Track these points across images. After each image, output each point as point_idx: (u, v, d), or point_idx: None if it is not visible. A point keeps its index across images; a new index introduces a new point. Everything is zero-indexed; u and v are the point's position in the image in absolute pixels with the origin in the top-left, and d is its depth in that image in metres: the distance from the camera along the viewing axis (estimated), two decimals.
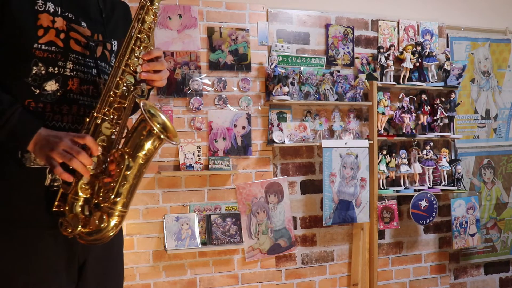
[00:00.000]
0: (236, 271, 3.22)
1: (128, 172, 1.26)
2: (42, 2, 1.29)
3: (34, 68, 1.27)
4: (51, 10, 1.30)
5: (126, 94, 1.32)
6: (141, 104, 1.29)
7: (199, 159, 3.10)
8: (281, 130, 3.27)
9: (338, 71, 3.43)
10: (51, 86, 1.29)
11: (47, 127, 1.27)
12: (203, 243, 3.09)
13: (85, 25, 1.37)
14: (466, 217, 3.71)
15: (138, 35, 1.32)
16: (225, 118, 3.20)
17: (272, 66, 3.18)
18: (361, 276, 3.46)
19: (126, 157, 1.26)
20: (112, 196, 1.25)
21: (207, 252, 3.13)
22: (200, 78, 3.15)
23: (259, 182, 3.27)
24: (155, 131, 1.27)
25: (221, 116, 3.19)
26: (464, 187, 3.74)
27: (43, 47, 1.28)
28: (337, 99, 3.38)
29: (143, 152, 1.29)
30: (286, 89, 3.17)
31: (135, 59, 1.32)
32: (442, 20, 3.80)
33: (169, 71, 2.99)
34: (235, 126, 3.22)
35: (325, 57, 3.42)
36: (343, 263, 3.51)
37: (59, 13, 1.31)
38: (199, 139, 3.14)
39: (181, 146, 3.08)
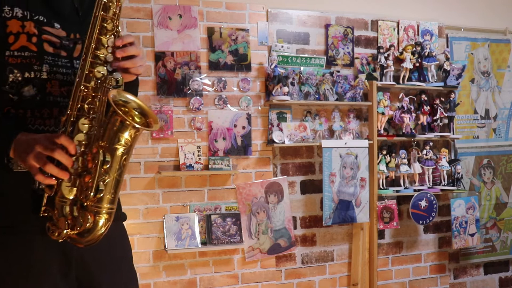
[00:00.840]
0: (236, 271, 3.22)
1: (106, 167, 1.21)
2: (9, 8, 1.27)
3: (10, 75, 1.26)
4: (19, 15, 1.28)
5: (99, 86, 1.25)
6: (111, 95, 1.22)
7: (199, 159, 3.11)
8: (281, 130, 3.27)
9: (338, 71, 3.43)
10: (29, 91, 1.27)
11: (30, 130, 1.25)
12: (203, 243, 3.10)
13: (59, 26, 1.34)
14: (466, 217, 3.71)
15: (102, 24, 1.25)
16: (225, 118, 3.20)
17: (272, 66, 3.18)
18: (361, 276, 3.46)
19: (101, 151, 1.20)
20: (92, 193, 1.20)
21: (207, 252, 3.13)
22: (200, 78, 3.15)
23: (259, 182, 3.27)
24: (127, 122, 1.21)
25: (221, 116, 3.19)
26: (464, 187, 3.75)
27: (15, 53, 1.26)
28: (337, 99, 3.38)
29: (120, 144, 1.22)
30: (286, 89, 3.17)
31: (104, 48, 1.25)
32: (442, 20, 3.81)
33: (168, 76, 3.01)
34: (235, 126, 3.22)
35: (325, 57, 3.42)
36: (343, 263, 3.52)
37: (28, 18, 1.29)
38: (199, 139, 3.15)
39: (181, 146, 3.08)
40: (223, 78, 3.20)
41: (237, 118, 3.23)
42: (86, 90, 1.24)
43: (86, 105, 1.24)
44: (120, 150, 1.23)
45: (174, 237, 3.02)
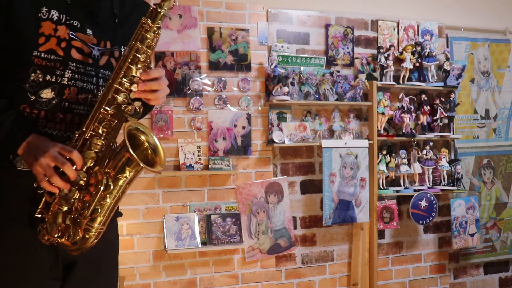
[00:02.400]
0: (236, 271, 3.22)
1: (106, 192, 1.26)
2: (46, 10, 1.29)
3: (32, 75, 1.28)
4: (55, 18, 1.30)
5: (118, 112, 1.29)
6: (126, 128, 1.27)
7: (199, 159, 3.11)
8: (281, 130, 3.27)
9: (338, 71, 3.43)
10: (46, 94, 1.30)
11: (39, 133, 1.28)
12: (203, 243, 3.10)
13: (91, 33, 1.36)
14: (466, 217, 3.72)
15: (135, 54, 1.29)
16: (225, 118, 3.20)
17: (272, 66, 3.18)
18: (361, 276, 3.46)
19: (105, 177, 1.26)
20: (88, 213, 1.25)
21: (207, 252, 3.13)
22: (200, 78, 3.15)
23: (259, 182, 3.27)
24: (134, 159, 1.25)
25: (221, 116, 3.19)
26: (464, 187, 3.75)
27: (42, 55, 1.28)
28: (337, 99, 3.38)
29: (124, 175, 1.28)
30: (286, 89, 3.17)
31: (131, 77, 1.29)
32: (441, 20, 3.81)
33: (168, 76, 3.02)
34: (235, 126, 3.22)
35: (325, 57, 3.42)
36: (343, 263, 3.52)
37: (63, 21, 1.31)
38: (199, 139, 3.15)
39: (181, 146, 3.08)
40: (223, 78, 3.20)
41: (237, 118, 3.23)
42: (105, 113, 1.28)
43: (102, 127, 1.28)
44: (123, 180, 1.28)
45: (174, 237, 3.02)
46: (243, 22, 3.26)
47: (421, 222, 3.56)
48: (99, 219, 1.27)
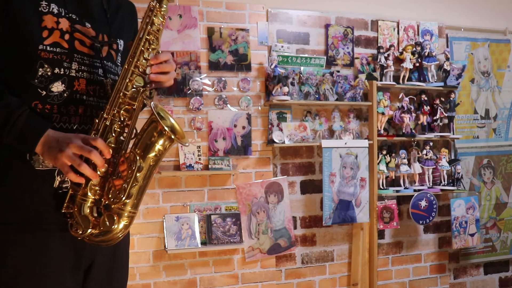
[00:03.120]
0: (236, 271, 3.22)
1: (139, 174, 1.26)
2: (46, 3, 1.29)
3: (40, 69, 1.27)
4: (55, 11, 1.30)
5: (135, 95, 1.32)
6: (152, 104, 1.29)
7: (199, 159, 3.11)
8: (281, 130, 3.27)
9: (338, 71, 3.43)
10: (57, 87, 1.29)
11: (55, 128, 1.26)
12: (203, 243, 3.10)
13: (89, 26, 1.37)
14: (466, 217, 3.72)
15: (147, 37, 1.33)
16: (225, 118, 3.20)
17: (272, 66, 3.18)
18: (361, 276, 3.46)
19: (138, 158, 1.26)
20: (123, 198, 1.25)
21: (207, 252, 3.13)
22: (200, 78, 3.15)
23: (259, 182, 3.27)
24: (165, 131, 1.27)
25: (221, 116, 3.19)
26: (464, 187, 3.75)
27: (48, 48, 1.27)
28: (337, 99, 3.38)
29: (154, 153, 1.29)
30: (286, 89, 3.17)
31: (144, 60, 1.32)
32: (442, 20, 3.81)
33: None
34: (235, 126, 3.22)
35: (325, 57, 3.42)
36: (343, 263, 3.52)
37: (63, 14, 1.31)
38: (199, 139, 3.15)
39: (181, 146, 3.08)
40: (223, 78, 3.20)
41: (237, 118, 3.23)
42: (123, 97, 1.30)
43: (122, 112, 1.30)
44: (153, 159, 1.30)
45: (174, 237, 3.02)
46: (243, 22, 3.26)
47: (421, 222, 3.56)
48: (131, 202, 1.28)
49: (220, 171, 3.14)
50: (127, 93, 1.30)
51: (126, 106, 1.30)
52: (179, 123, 1.38)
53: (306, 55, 3.37)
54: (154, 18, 1.33)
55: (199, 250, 3.09)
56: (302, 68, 3.34)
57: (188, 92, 3.12)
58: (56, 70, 1.29)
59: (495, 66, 4.00)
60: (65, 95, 1.30)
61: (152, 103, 1.30)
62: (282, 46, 3.31)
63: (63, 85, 1.30)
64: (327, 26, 3.46)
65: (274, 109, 3.31)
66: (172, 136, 1.28)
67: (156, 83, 1.35)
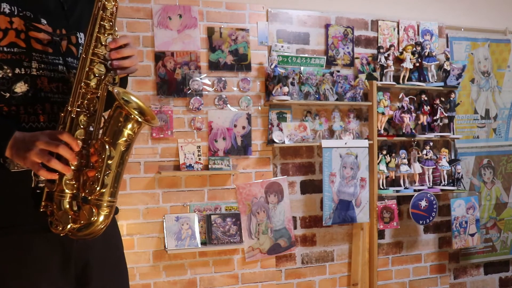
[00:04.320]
0: (236, 271, 3.22)
1: (111, 161, 1.24)
2: None
3: (0, 72, 1.25)
4: (7, 11, 1.27)
5: (98, 83, 1.28)
6: (114, 90, 1.26)
7: (199, 159, 3.11)
8: (281, 130, 3.27)
9: (338, 71, 3.43)
10: (20, 87, 1.27)
11: (24, 129, 1.25)
12: (203, 243, 3.10)
13: (45, 22, 1.33)
14: (466, 217, 3.71)
15: (101, 23, 1.29)
16: (225, 118, 3.20)
17: (272, 66, 3.18)
18: (361, 276, 3.46)
19: (107, 146, 1.24)
20: (98, 188, 1.23)
21: (207, 252, 3.13)
22: (200, 78, 3.15)
23: (259, 182, 3.27)
24: (132, 116, 1.25)
25: (221, 116, 3.19)
26: (464, 187, 3.75)
27: (5, 49, 1.25)
28: (337, 99, 3.38)
29: (123, 139, 1.27)
30: (286, 89, 3.17)
31: (102, 47, 1.28)
32: (442, 20, 3.81)
33: (168, 76, 3.03)
34: (235, 126, 3.22)
35: (325, 57, 3.42)
36: (343, 263, 3.52)
37: (15, 13, 1.28)
38: (199, 139, 3.15)
39: (181, 146, 3.08)
40: (223, 78, 3.20)
41: (237, 118, 3.23)
42: (85, 87, 1.27)
43: (86, 102, 1.27)
44: (123, 144, 1.27)
45: (174, 237, 3.02)
46: (243, 22, 3.26)
47: (421, 222, 3.56)
48: (108, 191, 1.25)
49: (220, 171, 3.14)
50: (89, 82, 1.27)
51: (90, 96, 1.28)
52: (145, 104, 1.35)
53: (306, 55, 3.37)
54: (106, 2, 1.29)
55: (199, 250, 3.09)
56: (302, 68, 3.34)
57: (188, 92, 3.12)
58: (17, 70, 1.27)
59: (495, 66, 3.99)
60: (29, 94, 1.28)
61: (114, 88, 1.27)
62: (282, 46, 3.31)
63: (26, 84, 1.28)
64: (327, 26, 3.46)
65: (274, 109, 3.31)
66: (139, 119, 1.26)
67: (119, 68, 1.31)
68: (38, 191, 1.26)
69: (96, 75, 1.28)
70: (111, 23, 1.31)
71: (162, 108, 3.06)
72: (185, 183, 3.12)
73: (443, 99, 3.67)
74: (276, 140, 3.24)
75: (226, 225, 3.14)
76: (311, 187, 3.42)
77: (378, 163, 3.47)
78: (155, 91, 3.06)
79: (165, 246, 3.02)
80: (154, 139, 3.06)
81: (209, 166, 3.13)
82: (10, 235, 1.24)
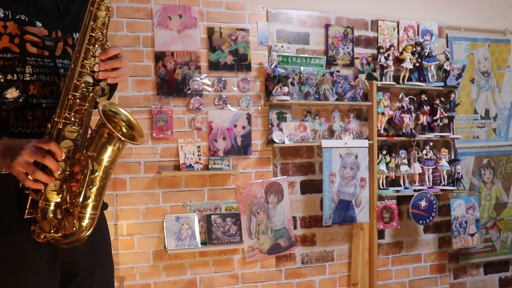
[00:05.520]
0: (236, 271, 3.22)
1: (94, 176, 1.26)
2: None
3: None
4: (1, 15, 1.26)
5: (86, 95, 1.28)
6: (100, 107, 1.26)
7: (199, 159, 3.11)
8: (281, 130, 3.27)
9: (338, 71, 3.43)
10: (11, 93, 1.27)
11: (13, 134, 1.25)
12: (203, 243, 3.10)
13: (40, 25, 1.32)
14: (466, 217, 3.72)
15: (91, 34, 1.27)
16: (225, 118, 3.20)
17: (272, 66, 3.18)
18: (361, 276, 3.46)
19: (90, 161, 1.25)
20: (80, 201, 1.25)
21: (207, 252, 3.13)
22: (200, 78, 3.15)
23: (259, 182, 3.27)
24: (115, 134, 1.25)
25: (221, 116, 3.19)
26: (464, 187, 3.75)
27: None
28: (337, 99, 3.38)
29: (107, 154, 1.28)
30: (286, 89, 3.17)
31: (92, 58, 1.28)
32: (441, 20, 3.81)
33: (168, 76, 3.02)
34: (235, 126, 3.22)
35: (325, 57, 3.42)
36: (343, 263, 3.52)
37: (10, 17, 1.27)
38: (199, 139, 3.15)
39: (181, 146, 3.08)
40: (223, 78, 3.20)
41: (237, 118, 3.23)
42: (73, 98, 1.27)
43: (73, 113, 1.27)
44: (107, 160, 1.28)
45: (174, 237, 3.02)
46: (243, 22, 3.26)
47: (421, 222, 3.56)
48: (91, 204, 1.27)
49: (220, 171, 3.14)
50: (76, 94, 1.26)
51: (77, 107, 1.27)
52: (135, 118, 1.36)
53: (306, 55, 3.37)
54: (97, 11, 1.28)
55: (199, 250, 3.09)
56: (302, 68, 3.34)
57: (188, 92, 3.12)
58: (9, 77, 1.26)
59: (495, 66, 4.00)
60: (20, 100, 1.28)
61: (101, 104, 1.27)
62: (282, 46, 3.31)
63: (17, 90, 1.28)
64: (327, 26, 3.46)
65: (274, 109, 3.31)
66: (122, 138, 1.26)
67: (106, 80, 1.31)
68: (26, 192, 1.26)
69: (84, 88, 1.28)
70: (102, 33, 1.29)
71: (162, 108, 3.06)
72: (185, 183, 3.12)
73: (443, 99, 3.67)
74: (276, 140, 3.24)
75: (226, 225, 3.14)
76: (311, 187, 3.42)
77: (378, 163, 3.47)
78: (155, 91, 3.06)
79: (165, 246, 3.02)
80: (154, 139, 3.06)
81: (209, 166, 3.13)
82: None
